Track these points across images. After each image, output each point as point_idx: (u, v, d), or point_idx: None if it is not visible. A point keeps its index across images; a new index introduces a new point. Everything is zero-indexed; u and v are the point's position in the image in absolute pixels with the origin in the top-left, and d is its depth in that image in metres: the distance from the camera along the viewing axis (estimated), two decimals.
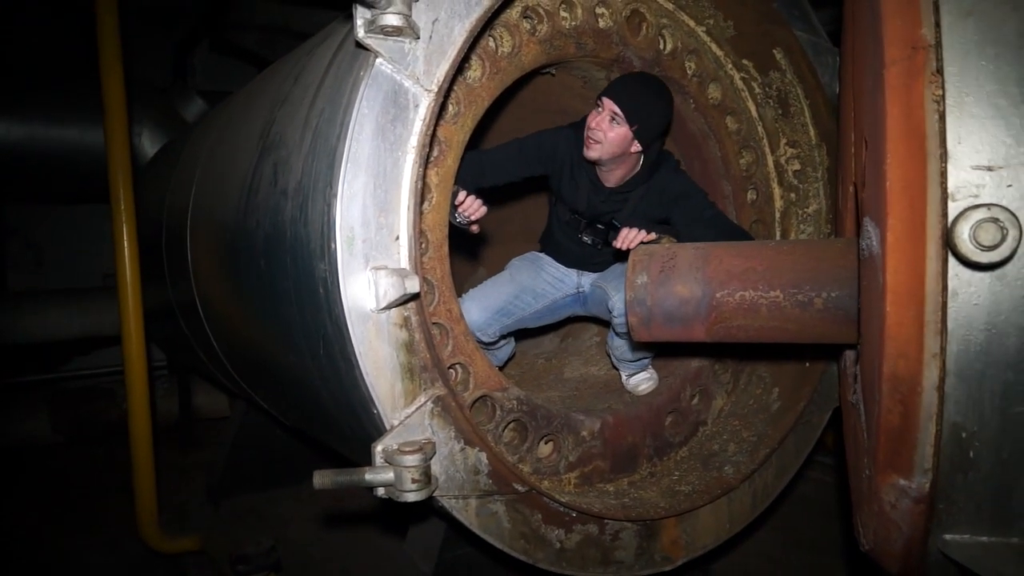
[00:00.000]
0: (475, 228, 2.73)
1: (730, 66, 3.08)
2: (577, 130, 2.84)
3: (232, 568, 3.35)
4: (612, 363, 3.24)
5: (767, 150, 3.20)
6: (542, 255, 3.28)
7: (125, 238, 3.95)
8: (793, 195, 3.19)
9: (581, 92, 3.24)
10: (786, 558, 4.06)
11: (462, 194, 2.61)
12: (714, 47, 3.03)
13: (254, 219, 2.63)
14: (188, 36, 7.48)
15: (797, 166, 3.15)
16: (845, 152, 2.38)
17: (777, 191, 3.23)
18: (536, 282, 3.15)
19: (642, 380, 3.06)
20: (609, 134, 2.65)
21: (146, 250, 4.29)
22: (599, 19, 2.74)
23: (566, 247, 3.16)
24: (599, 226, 2.97)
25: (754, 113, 3.16)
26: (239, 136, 3.11)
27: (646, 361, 3.11)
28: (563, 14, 2.65)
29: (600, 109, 2.67)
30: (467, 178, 2.69)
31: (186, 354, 4.98)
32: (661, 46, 2.91)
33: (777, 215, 3.23)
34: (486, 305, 2.96)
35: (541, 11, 2.59)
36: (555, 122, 3.30)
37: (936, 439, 1.37)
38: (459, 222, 2.65)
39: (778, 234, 3.23)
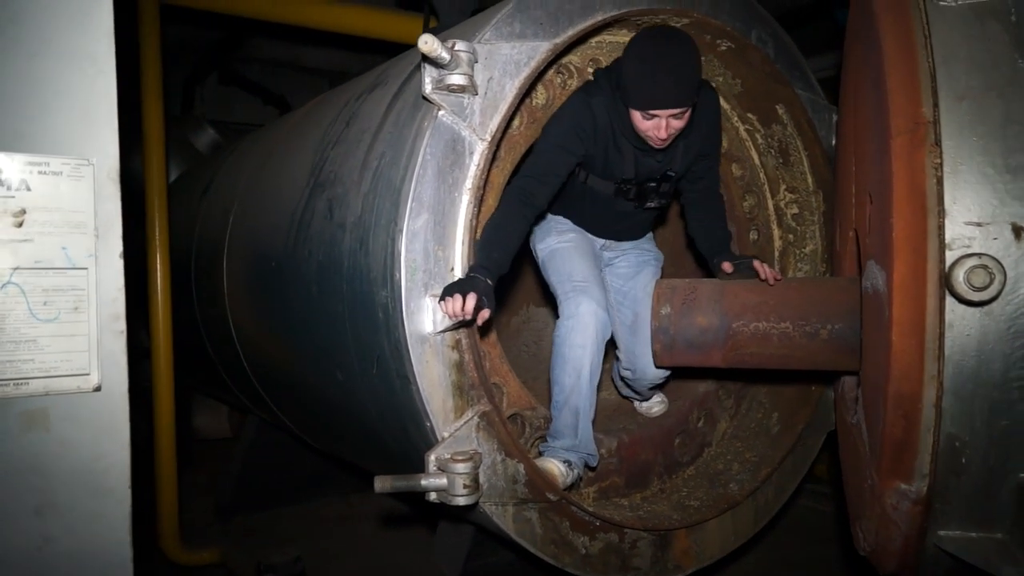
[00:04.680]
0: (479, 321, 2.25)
1: (736, 118, 3.38)
2: (602, 97, 2.54)
3: None
4: (619, 393, 3.45)
5: (768, 195, 3.50)
6: (564, 219, 2.94)
7: (159, 261, 4.16)
8: (791, 236, 3.49)
9: None
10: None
11: (470, 300, 2.15)
12: (723, 101, 3.33)
13: (306, 249, 2.87)
14: (198, 68, 7.74)
15: (795, 210, 3.46)
16: (844, 200, 2.68)
17: (777, 232, 3.53)
18: (592, 244, 2.94)
19: (654, 403, 3.30)
20: (676, 127, 2.44)
21: (172, 272, 4.50)
22: None
23: (603, 222, 2.90)
24: (651, 184, 2.70)
25: (757, 161, 3.46)
26: (283, 172, 3.36)
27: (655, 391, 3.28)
28: (590, 70, 2.94)
29: (651, 118, 2.41)
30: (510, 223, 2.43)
31: (201, 373, 5.16)
32: None
33: (776, 254, 3.52)
34: (597, 282, 2.69)
35: (572, 67, 2.88)
36: None
37: (934, 448, 1.64)
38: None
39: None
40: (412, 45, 2.32)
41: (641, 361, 2.86)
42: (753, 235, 3.50)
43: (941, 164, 1.57)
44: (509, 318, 4.80)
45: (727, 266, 2.67)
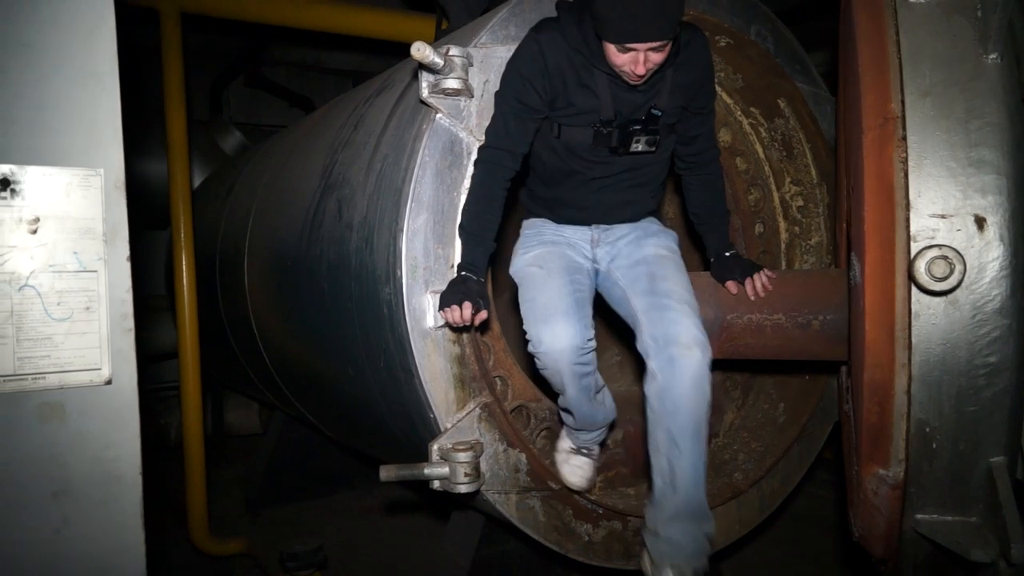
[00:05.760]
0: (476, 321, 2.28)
1: (739, 113, 3.42)
2: (552, 33, 2.26)
3: (282, 565, 3.65)
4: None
5: (773, 188, 3.53)
6: (543, 223, 2.59)
7: (184, 262, 4.31)
8: (797, 228, 3.52)
9: None
10: (788, 567, 4.32)
11: (467, 309, 2.19)
12: (725, 96, 3.38)
13: (318, 248, 2.98)
14: (225, 72, 7.93)
15: (800, 202, 3.49)
16: (839, 193, 2.72)
17: (783, 225, 3.56)
18: (568, 258, 2.49)
19: (574, 466, 2.67)
20: (655, 61, 2.12)
21: (197, 272, 4.66)
22: None
23: (588, 193, 2.48)
24: (636, 126, 2.33)
25: (761, 154, 3.50)
26: (298, 174, 3.48)
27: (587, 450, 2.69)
28: None
29: (627, 51, 2.09)
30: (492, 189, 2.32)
31: (230, 370, 5.33)
32: None
33: (783, 246, 3.56)
34: (564, 311, 2.27)
35: None
36: None
37: (906, 434, 1.69)
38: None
39: (784, 264, 3.55)
40: None
41: (673, 326, 2.24)
42: (759, 228, 3.54)
43: (907, 158, 1.62)
44: None
45: (732, 287, 2.57)
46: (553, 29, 2.26)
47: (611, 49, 2.12)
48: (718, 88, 3.36)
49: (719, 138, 3.42)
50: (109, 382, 1.58)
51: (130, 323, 1.61)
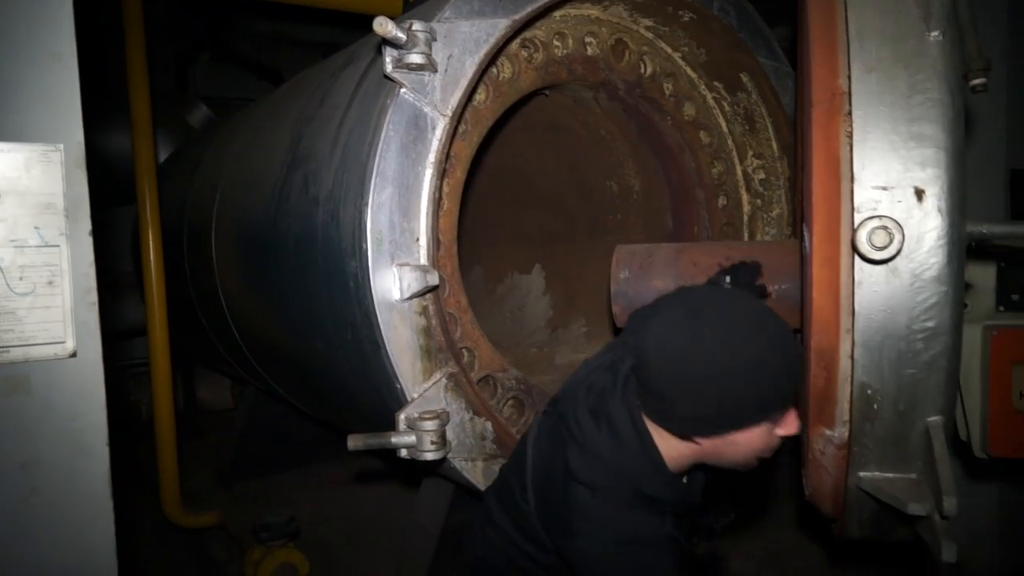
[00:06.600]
0: None
1: (703, 87, 3.48)
2: (647, 510, 1.72)
3: (255, 536, 3.71)
4: None
5: (736, 161, 3.60)
6: None
7: (151, 237, 4.29)
8: (759, 201, 3.59)
9: (571, 108, 3.63)
10: (750, 528, 4.45)
11: None
12: (689, 71, 3.42)
13: (285, 222, 2.99)
14: (191, 46, 7.80)
15: (762, 175, 3.56)
16: (799, 164, 2.78)
17: (745, 197, 3.63)
18: None
19: None
20: None
21: (165, 248, 4.63)
22: (587, 47, 3.12)
23: None
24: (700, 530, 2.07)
25: (724, 128, 3.56)
26: (265, 148, 3.47)
27: None
28: (556, 44, 3.04)
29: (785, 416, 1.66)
30: None
31: (200, 346, 5.32)
32: (642, 70, 3.30)
33: (745, 218, 3.63)
34: None
35: (537, 42, 2.97)
36: (546, 137, 3.73)
37: (850, 396, 1.77)
38: None
39: (746, 235, 3.63)
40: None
41: None
42: (722, 201, 3.61)
43: (852, 132, 1.68)
44: (495, 286, 4.93)
45: None
46: (641, 505, 1.72)
47: (760, 436, 1.64)
48: (682, 63, 3.42)
49: (684, 112, 3.47)
50: (74, 355, 1.60)
51: (94, 297, 1.63)
